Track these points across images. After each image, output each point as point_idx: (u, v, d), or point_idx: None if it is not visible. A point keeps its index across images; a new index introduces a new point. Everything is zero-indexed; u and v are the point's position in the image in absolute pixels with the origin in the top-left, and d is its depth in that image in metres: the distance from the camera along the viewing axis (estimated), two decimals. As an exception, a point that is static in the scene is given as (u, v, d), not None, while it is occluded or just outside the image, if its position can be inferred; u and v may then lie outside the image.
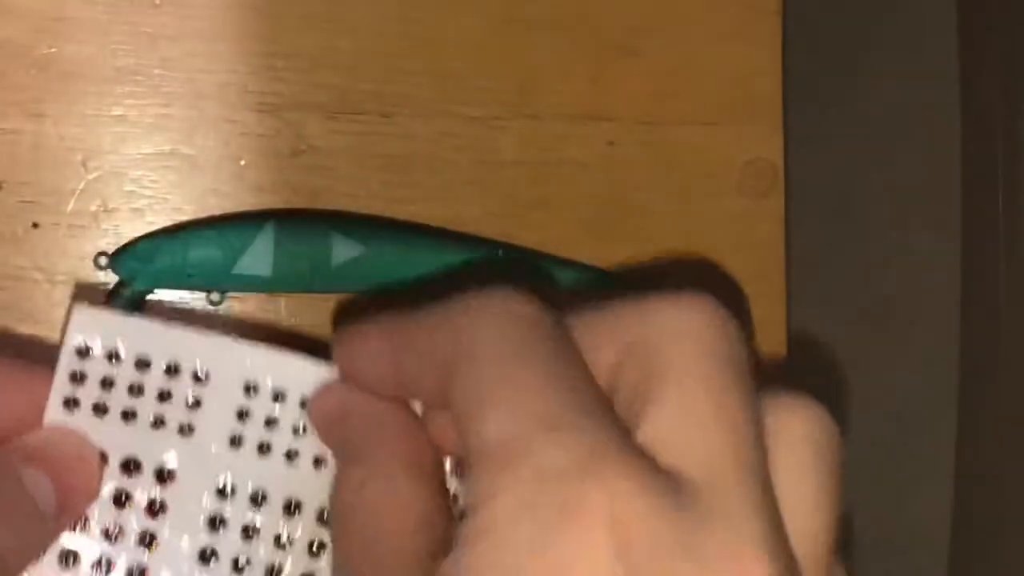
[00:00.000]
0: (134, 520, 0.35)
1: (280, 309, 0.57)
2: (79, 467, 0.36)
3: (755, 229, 0.60)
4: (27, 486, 0.35)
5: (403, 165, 0.58)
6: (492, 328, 0.29)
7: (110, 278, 0.56)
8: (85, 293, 0.56)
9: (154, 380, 0.36)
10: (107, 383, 0.36)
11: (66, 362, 0.36)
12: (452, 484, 0.34)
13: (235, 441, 0.36)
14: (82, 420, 0.36)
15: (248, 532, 0.35)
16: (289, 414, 0.36)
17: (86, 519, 0.35)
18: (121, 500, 0.35)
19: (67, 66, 0.56)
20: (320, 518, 0.35)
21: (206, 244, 0.55)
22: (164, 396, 0.36)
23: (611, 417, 0.28)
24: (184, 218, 0.57)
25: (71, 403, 0.36)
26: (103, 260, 0.55)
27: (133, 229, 0.57)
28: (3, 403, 0.36)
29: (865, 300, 0.61)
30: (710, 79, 0.60)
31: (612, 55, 0.60)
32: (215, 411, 0.36)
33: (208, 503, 0.35)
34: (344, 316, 0.58)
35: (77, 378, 0.36)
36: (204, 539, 0.35)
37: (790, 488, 0.28)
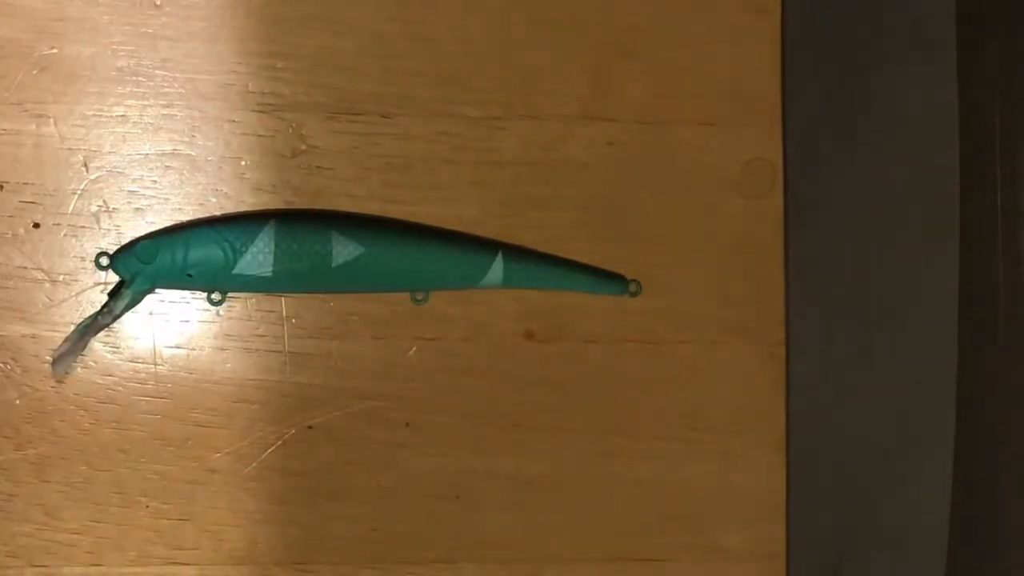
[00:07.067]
0: None
1: (280, 309, 0.58)
2: None
3: (754, 229, 0.61)
4: None
5: (403, 165, 0.58)
6: None
7: (111, 278, 0.56)
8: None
9: None
10: None
11: None
12: None
13: None
14: None
15: None
16: None
17: None
18: None
19: (68, 67, 0.57)
20: None
21: (206, 244, 0.55)
22: None
23: None
24: (185, 218, 0.57)
25: None
26: (104, 260, 0.56)
27: (134, 229, 0.57)
28: None
29: (864, 300, 0.62)
30: (710, 79, 0.60)
31: (612, 56, 0.60)
32: None
33: None
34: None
35: None
36: None
37: None
